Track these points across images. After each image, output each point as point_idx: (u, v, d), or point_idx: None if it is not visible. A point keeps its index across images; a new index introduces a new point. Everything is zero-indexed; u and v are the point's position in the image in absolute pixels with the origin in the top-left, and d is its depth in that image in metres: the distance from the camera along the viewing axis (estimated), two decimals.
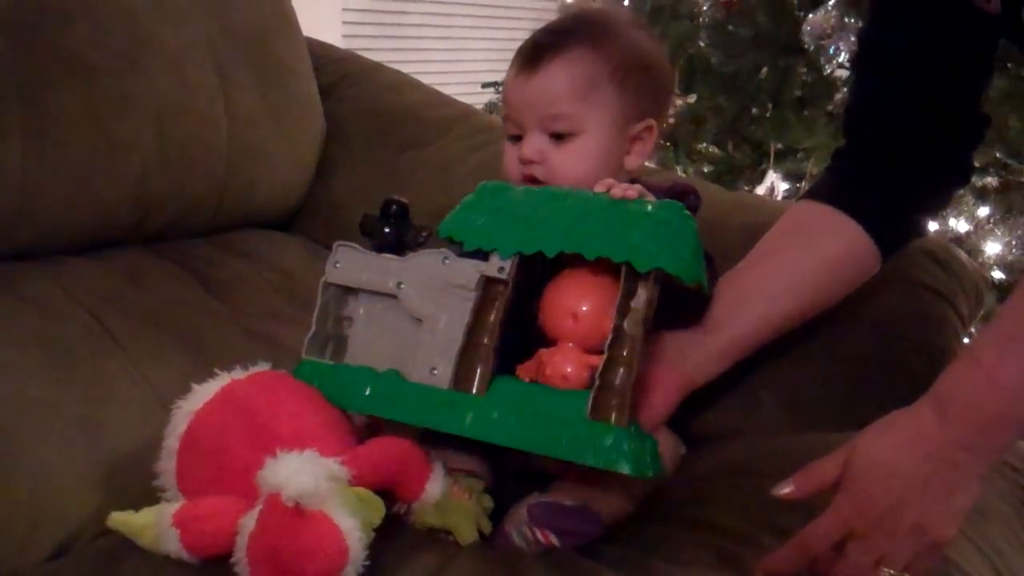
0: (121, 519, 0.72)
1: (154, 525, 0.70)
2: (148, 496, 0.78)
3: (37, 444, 0.84)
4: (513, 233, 0.78)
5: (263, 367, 0.85)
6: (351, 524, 0.68)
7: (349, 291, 0.85)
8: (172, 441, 0.79)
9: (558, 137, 0.86)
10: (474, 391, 0.77)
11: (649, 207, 0.77)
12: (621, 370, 0.74)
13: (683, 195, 0.89)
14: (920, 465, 0.67)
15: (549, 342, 0.79)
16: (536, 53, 0.87)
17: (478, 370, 0.78)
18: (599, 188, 0.79)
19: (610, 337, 0.75)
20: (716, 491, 0.85)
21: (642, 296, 0.75)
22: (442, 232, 0.81)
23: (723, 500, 0.82)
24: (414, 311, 0.80)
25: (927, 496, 0.67)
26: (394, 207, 0.85)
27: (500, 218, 0.79)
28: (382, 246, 0.84)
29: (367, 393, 0.80)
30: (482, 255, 0.79)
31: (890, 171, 0.94)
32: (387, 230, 0.85)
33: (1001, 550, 0.82)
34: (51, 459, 0.83)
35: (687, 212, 0.78)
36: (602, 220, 0.77)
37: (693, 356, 0.90)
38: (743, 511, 0.79)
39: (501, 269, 0.77)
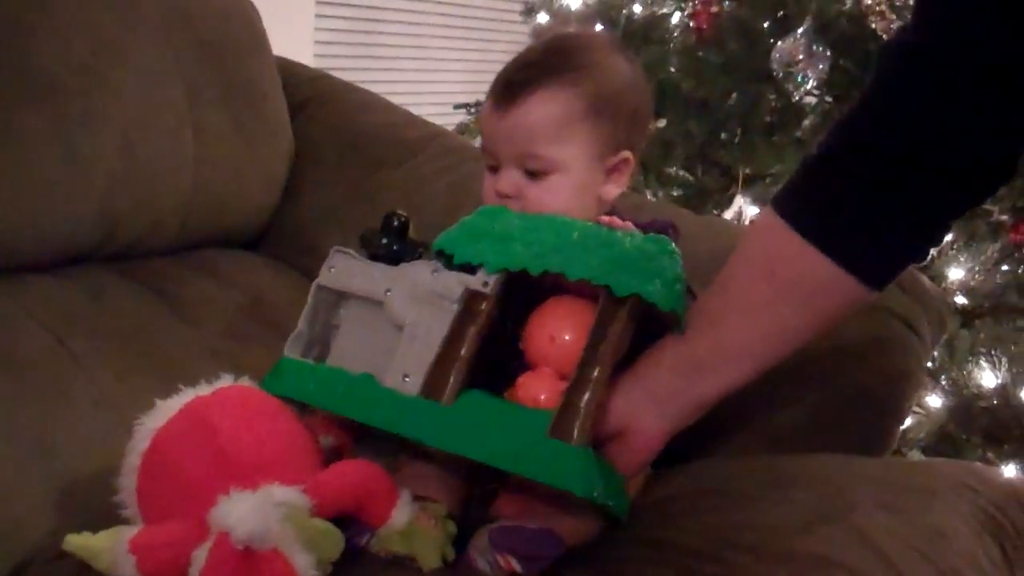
0: (78, 542, 0.71)
1: (111, 550, 0.69)
2: (106, 518, 0.77)
3: None
4: (501, 251, 0.79)
5: (227, 380, 0.84)
6: (306, 561, 0.67)
7: (340, 297, 0.86)
8: (134, 458, 0.78)
9: (533, 174, 0.85)
10: (443, 401, 0.77)
11: (638, 238, 0.79)
12: (587, 392, 0.75)
13: (663, 231, 0.89)
14: None
15: (531, 369, 0.80)
16: (509, 90, 0.85)
17: (450, 380, 0.78)
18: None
19: (581, 358, 0.75)
20: (679, 512, 0.85)
21: (617, 323, 0.76)
22: (435, 245, 0.83)
23: (686, 521, 0.82)
24: (396, 318, 0.81)
25: None
26: (395, 221, 0.86)
27: (491, 237, 0.81)
28: (377, 256, 0.84)
29: (338, 391, 0.81)
30: (471, 270, 0.80)
31: (910, 197, 0.79)
32: (384, 241, 0.85)
33: (960, 572, 0.82)
34: (6, 481, 0.82)
35: (673, 247, 0.79)
36: (589, 245, 0.78)
37: (676, 404, 0.86)
38: (705, 530, 0.79)
39: (485, 284, 0.79)
